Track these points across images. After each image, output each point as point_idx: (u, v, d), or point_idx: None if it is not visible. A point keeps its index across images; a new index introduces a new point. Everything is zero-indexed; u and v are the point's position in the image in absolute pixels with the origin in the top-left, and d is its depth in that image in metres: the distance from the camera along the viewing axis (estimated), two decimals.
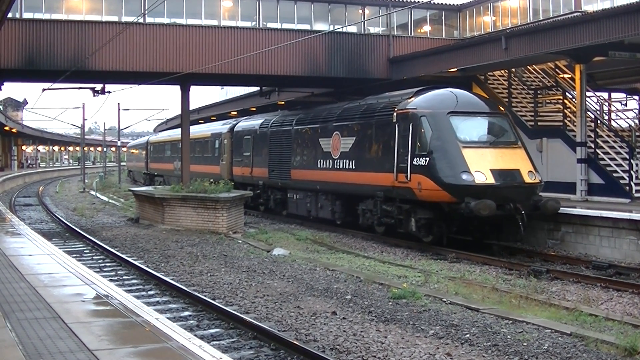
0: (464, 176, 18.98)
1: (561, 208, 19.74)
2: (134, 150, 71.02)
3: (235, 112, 46.89)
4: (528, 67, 29.71)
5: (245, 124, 35.28)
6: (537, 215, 19.62)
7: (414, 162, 20.09)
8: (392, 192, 21.29)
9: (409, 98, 21.50)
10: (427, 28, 33.34)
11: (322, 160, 25.94)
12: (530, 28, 25.61)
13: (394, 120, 21.27)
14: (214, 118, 52.37)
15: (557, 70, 28.60)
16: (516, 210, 18.82)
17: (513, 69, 29.34)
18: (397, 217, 21.40)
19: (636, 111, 31.80)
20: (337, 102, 28.41)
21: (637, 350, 9.70)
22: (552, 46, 22.81)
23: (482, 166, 19.21)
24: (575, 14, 26.40)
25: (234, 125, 36.44)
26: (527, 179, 19.54)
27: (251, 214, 31.75)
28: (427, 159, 19.67)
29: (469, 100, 21.36)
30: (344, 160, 24.28)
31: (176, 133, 47.50)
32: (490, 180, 19.01)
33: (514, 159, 19.99)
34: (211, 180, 31.99)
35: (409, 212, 20.77)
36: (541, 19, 29.47)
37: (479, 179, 18.94)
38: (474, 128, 20.43)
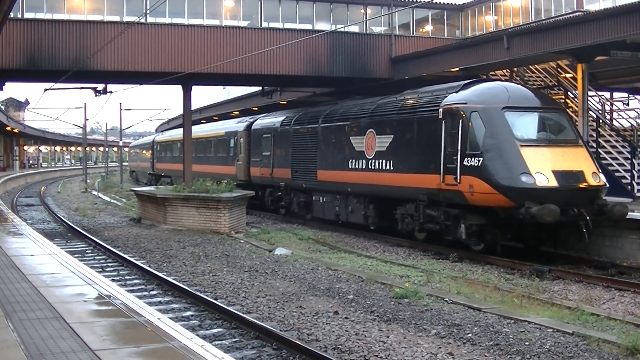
0: (524, 178, 17.19)
1: None
2: (138, 150, 69.17)
3: (238, 112, 46.91)
4: (530, 66, 29.72)
5: (264, 121, 33.14)
6: (603, 221, 18.05)
7: (465, 163, 18.24)
8: (438, 196, 19.38)
9: (456, 92, 19.57)
10: (429, 28, 33.37)
11: (353, 160, 23.90)
12: (532, 27, 25.60)
13: (440, 117, 19.30)
14: (216, 118, 52.35)
15: (559, 69, 28.59)
16: (580, 216, 17.15)
17: (515, 69, 29.37)
18: (443, 223, 19.45)
19: (638, 110, 31.75)
20: (369, 98, 26.07)
21: (639, 350, 9.69)
22: (554, 45, 22.80)
23: (543, 167, 17.43)
24: (577, 14, 26.40)
25: (251, 122, 34.31)
26: (592, 181, 17.79)
27: (253, 214, 31.73)
28: (481, 159, 17.88)
29: (523, 94, 19.51)
30: (380, 161, 22.29)
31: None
32: (553, 182, 17.21)
33: (577, 159, 18.19)
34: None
35: (458, 217, 18.90)
36: (543, 18, 29.48)
37: (540, 181, 17.15)
38: (531, 125, 18.64)
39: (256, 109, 42.64)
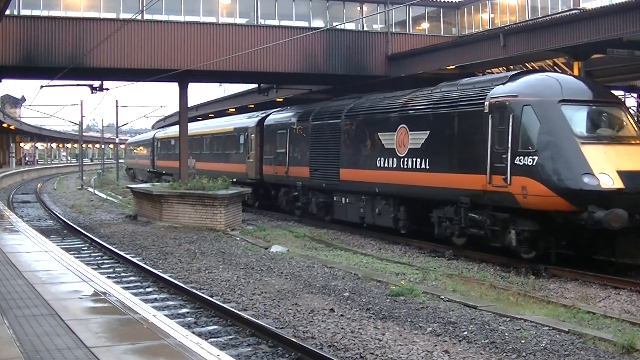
0: (587, 179, 15.49)
1: None
2: (136, 147, 66.94)
3: (234, 109, 46.90)
4: (526, 64, 29.72)
5: (278, 116, 31.05)
6: None
7: (516, 162, 16.49)
8: (483, 198, 17.58)
9: (503, 84, 17.79)
10: (425, 25, 33.35)
11: (382, 159, 21.97)
12: (529, 25, 25.61)
13: (486, 111, 17.51)
14: (212, 115, 52.27)
15: (555, 67, 28.55)
16: None
17: (511, 66, 29.35)
18: (489, 227, 17.64)
19: (634, 108, 31.80)
20: (399, 91, 23.68)
21: (634, 348, 9.71)
22: (550, 43, 22.81)
23: (606, 167, 15.72)
24: (574, 11, 26.40)
25: (264, 118, 32.31)
26: None
27: (249, 211, 31.70)
28: (535, 157, 16.13)
29: (578, 85, 17.65)
30: (414, 159, 20.33)
31: (190, 128, 43.26)
32: (619, 184, 15.48)
33: None
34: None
35: (507, 222, 17.10)
36: (539, 16, 29.49)
37: (604, 183, 15.44)
38: (590, 120, 16.89)
39: (252, 106, 42.59)
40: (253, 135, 32.53)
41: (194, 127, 44.47)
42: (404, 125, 21.07)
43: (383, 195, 22.34)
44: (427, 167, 19.84)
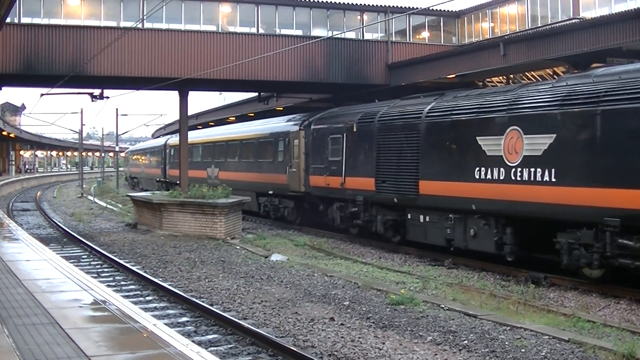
0: None
1: None
2: (143, 155, 61.77)
3: (234, 118, 46.95)
4: (526, 73, 29.77)
5: (330, 117, 26.88)
6: None
7: None
8: None
9: None
10: (425, 34, 33.40)
11: (483, 169, 17.92)
12: (529, 34, 25.69)
13: None
14: (212, 123, 52.29)
15: (555, 76, 28.62)
16: None
17: (511, 75, 29.39)
18: None
19: None
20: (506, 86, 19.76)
21: (634, 357, 9.72)
22: (550, 52, 22.88)
23: None
24: (574, 21, 26.48)
25: (310, 121, 28.01)
26: None
27: (248, 219, 31.66)
28: None
29: None
30: (532, 169, 16.36)
31: (212, 133, 41.42)
32: None
33: None
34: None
35: None
36: (539, 25, 29.56)
37: None
38: None
39: (252, 114, 42.63)
40: (296, 140, 28.56)
41: (217, 132, 41.70)
42: (516, 128, 17.11)
43: (482, 214, 18.29)
44: (553, 180, 15.95)
